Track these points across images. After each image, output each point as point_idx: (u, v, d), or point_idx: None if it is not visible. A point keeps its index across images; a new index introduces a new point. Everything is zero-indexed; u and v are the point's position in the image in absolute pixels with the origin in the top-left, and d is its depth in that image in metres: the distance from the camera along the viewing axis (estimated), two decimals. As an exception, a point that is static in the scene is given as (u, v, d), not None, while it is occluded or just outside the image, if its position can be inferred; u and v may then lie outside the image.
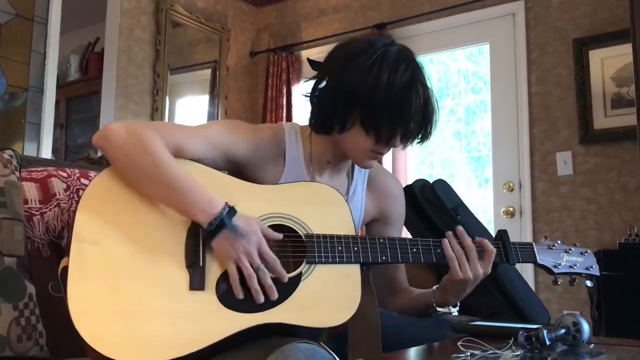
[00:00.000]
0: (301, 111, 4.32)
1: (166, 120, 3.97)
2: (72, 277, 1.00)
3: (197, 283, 1.05)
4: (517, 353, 0.99)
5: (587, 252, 1.33)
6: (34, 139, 3.23)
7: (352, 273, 1.15)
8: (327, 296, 1.12)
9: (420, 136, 1.27)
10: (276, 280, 1.09)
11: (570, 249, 1.32)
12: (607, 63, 3.29)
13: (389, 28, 3.97)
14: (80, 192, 1.41)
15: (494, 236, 1.31)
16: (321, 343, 0.96)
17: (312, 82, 1.31)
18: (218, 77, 4.33)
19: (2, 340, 1.12)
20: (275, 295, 1.07)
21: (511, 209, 3.50)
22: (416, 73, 1.23)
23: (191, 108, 4.34)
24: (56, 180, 1.39)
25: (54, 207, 1.35)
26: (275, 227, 1.14)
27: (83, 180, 1.44)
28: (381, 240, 1.20)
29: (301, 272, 1.12)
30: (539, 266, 1.29)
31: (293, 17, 4.51)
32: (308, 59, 1.42)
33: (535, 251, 1.29)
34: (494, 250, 1.24)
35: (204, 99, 4.36)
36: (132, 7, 3.84)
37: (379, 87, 1.19)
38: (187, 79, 4.31)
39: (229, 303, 1.05)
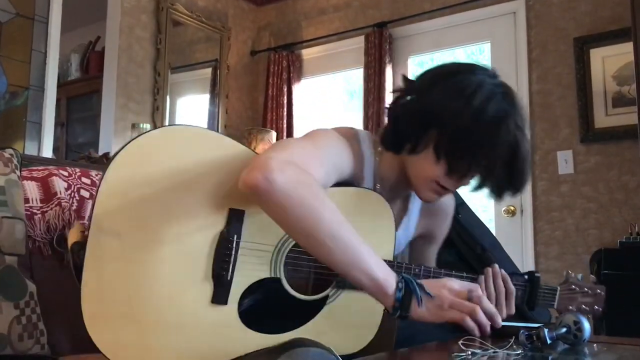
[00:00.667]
0: (302, 110, 4.32)
1: (167, 119, 3.97)
2: (88, 274, 0.92)
3: (220, 297, 0.99)
4: (518, 352, 0.99)
5: (601, 292, 1.31)
6: (34, 137, 3.23)
7: (378, 303, 1.10)
8: (348, 323, 1.08)
9: (504, 184, 1.13)
10: (302, 303, 1.06)
11: (588, 291, 1.30)
12: (608, 62, 3.28)
13: (389, 27, 3.97)
14: (82, 191, 1.41)
15: (493, 233, 1.31)
16: (331, 348, 0.95)
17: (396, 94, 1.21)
18: (219, 76, 4.33)
19: (3, 338, 1.12)
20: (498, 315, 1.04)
21: (512, 208, 3.50)
22: (514, 110, 1.10)
23: (192, 107, 4.34)
24: (57, 179, 1.39)
25: (55, 206, 1.35)
26: None
27: (84, 179, 1.44)
28: (417, 270, 1.14)
29: (328, 295, 1.09)
30: (554, 309, 1.29)
31: (293, 16, 4.51)
32: (402, 75, 1.27)
33: (557, 298, 1.28)
34: (514, 290, 1.19)
35: (205, 98, 4.36)
36: (133, 6, 3.84)
37: (466, 112, 1.07)
38: (187, 78, 4.31)
39: (249, 321, 1.01)
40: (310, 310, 1.06)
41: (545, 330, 0.99)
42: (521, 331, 1.02)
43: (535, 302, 1.24)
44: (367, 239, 1.01)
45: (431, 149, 1.12)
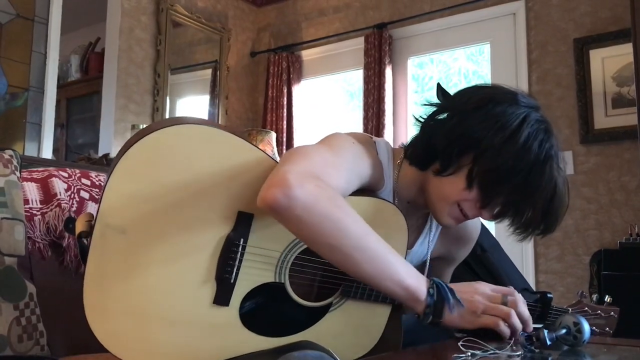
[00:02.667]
0: (301, 111, 4.32)
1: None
2: (91, 269, 0.92)
3: (222, 298, 0.98)
4: (518, 353, 0.99)
5: (614, 315, 1.29)
6: (34, 139, 3.23)
7: (381, 314, 1.09)
8: (348, 332, 1.08)
9: (534, 226, 1.08)
10: (304, 309, 1.05)
11: (601, 314, 1.28)
12: (607, 62, 3.28)
13: (389, 28, 3.97)
14: (82, 192, 1.41)
15: (493, 232, 1.29)
16: (330, 351, 0.95)
17: (429, 107, 1.14)
18: (218, 77, 4.34)
19: (2, 339, 1.12)
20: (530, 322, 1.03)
21: (512, 209, 3.49)
22: (556, 150, 1.07)
23: (192, 108, 4.34)
24: (57, 181, 1.39)
25: (54, 207, 1.35)
26: None
27: (84, 181, 1.44)
28: None
29: (331, 302, 1.08)
30: None
31: (293, 17, 4.51)
32: (438, 84, 1.19)
33: None
34: (530, 319, 1.12)
35: (205, 99, 4.36)
36: (133, 7, 3.84)
37: (510, 148, 1.03)
38: (187, 79, 4.31)
39: (250, 323, 1.01)
40: (312, 317, 1.06)
41: (545, 332, 0.99)
42: (521, 332, 1.02)
43: (544, 323, 1.22)
44: None
45: (463, 174, 1.06)
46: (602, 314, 1.28)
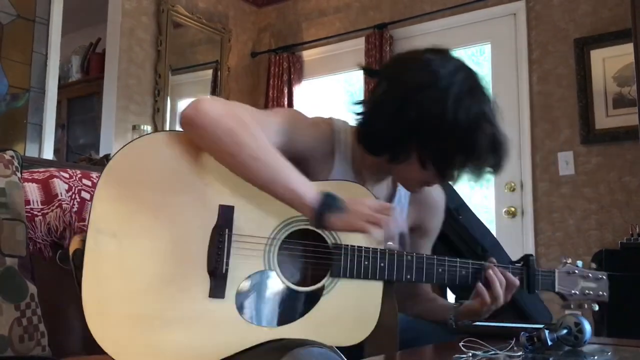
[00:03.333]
0: (302, 111, 4.31)
1: (167, 121, 3.97)
2: (88, 274, 0.95)
3: (217, 291, 1.01)
4: (519, 353, 0.99)
5: (603, 277, 1.30)
6: (35, 139, 3.23)
7: (374, 291, 1.12)
8: (346, 314, 1.09)
9: (491, 171, 1.20)
10: (298, 294, 1.08)
11: (589, 275, 1.29)
12: (608, 63, 3.28)
13: (390, 28, 3.97)
14: (82, 192, 1.41)
15: (494, 234, 1.31)
16: (333, 347, 0.95)
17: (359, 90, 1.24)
18: (219, 78, 4.33)
19: (3, 340, 1.12)
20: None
21: (513, 209, 3.49)
22: (482, 106, 1.15)
23: (192, 108, 4.33)
24: (58, 181, 1.39)
25: (55, 208, 1.36)
26: (303, 233, 1.10)
27: (85, 181, 1.44)
28: (409, 257, 1.16)
29: (324, 285, 1.09)
30: (555, 293, 1.28)
31: (294, 17, 4.51)
32: (363, 68, 1.36)
33: (556, 279, 1.27)
34: (517, 284, 1.22)
35: (205, 99, 4.36)
36: (133, 8, 3.84)
37: (445, 126, 1.12)
38: (188, 80, 4.31)
39: (248, 314, 1.03)
40: (307, 302, 1.07)
41: (546, 332, 0.99)
42: (522, 332, 1.02)
43: (534, 285, 1.25)
44: (358, 233, 1.07)
45: (415, 159, 1.16)
46: (591, 276, 1.29)
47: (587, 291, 1.28)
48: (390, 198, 1.33)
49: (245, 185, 1.06)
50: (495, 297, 1.18)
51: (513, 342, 1.05)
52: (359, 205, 1.05)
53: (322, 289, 1.09)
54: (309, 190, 1.03)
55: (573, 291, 1.27)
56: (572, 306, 1.28)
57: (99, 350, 0.95)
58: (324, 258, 1.10)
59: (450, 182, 1.24)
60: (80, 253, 0.98)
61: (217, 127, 1.02)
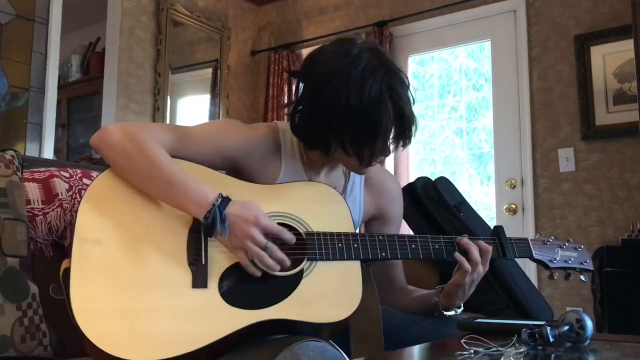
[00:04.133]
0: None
1: (168, 119, 3.97)
2: (75, 277, 1.00)
3: (199, 281, 1.06)
4: (521, 350, 0.99)
5: (580, 247, 1.35)
6: (35, 139, 3.23)
7: (353, 270, 1.16)
8: (329, 292, 1.12)
9: (402, 144, 1.25)
10: (279, 279, 1.09)
11: (564, 244, 1.34)
12: (608, 59, 3.28)
13: (389, 25, 3.96)
14: (83, 192, 1.41)
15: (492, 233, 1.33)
16: (330, 341, 0.95)
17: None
18: (219, 76, 4.33)
19: (5, 340, 1.12)
20: (287, 263, 1.10)
21: (513, 206, 3.49)
22: (383, 85, 1.18)
23: (192, 107, 4.34)
24: (58, 181, 1.39)
25: (56, 208, 1.36)
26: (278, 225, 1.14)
27: (85, 181, 1.44)
28: (380, 237, 1.21)
29: (302, 269, 1.13)
30: (534, 261, 1.31)
31: (294, 16, 4.51)
32: (290, 71, 1.45)
33: (531, 246, 1.31)
34: (490, 248, 1.25)
35: (205, 98, 4.36)
36: (133, 7, 3.84)
37: (350, 111, 1.17)
38: (188, 79, 4.31)
39: (232, 300, 1.06)
40: (289, 285, 1.11)
41: (548, 328, 0.99)
42: (524, 329, 1.02)
43: (509, 252, 1.28)
44: (327, 222, 1.17)
45: (339, 148, 1.23)
46: (567, 245, 1.33)
47: (568, 260, 1.30)
48: (344, 187, 1.38)
49: (218, 185, 1.13)
50: (475, 262, 1.23)
51: (515, 338, 1.05)
52: (242, 225, 1.07)
53: (301, 272, 1.12)
54: (202, 203, 1.07)
55: (553, 257, 1.29)
56: (556, 276, 1.30)
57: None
58: (299, 246, 1.14)
59: (379, 161, 1.30)
60: (69, 272, 1.02)
61: (116, 153, 1.12)
